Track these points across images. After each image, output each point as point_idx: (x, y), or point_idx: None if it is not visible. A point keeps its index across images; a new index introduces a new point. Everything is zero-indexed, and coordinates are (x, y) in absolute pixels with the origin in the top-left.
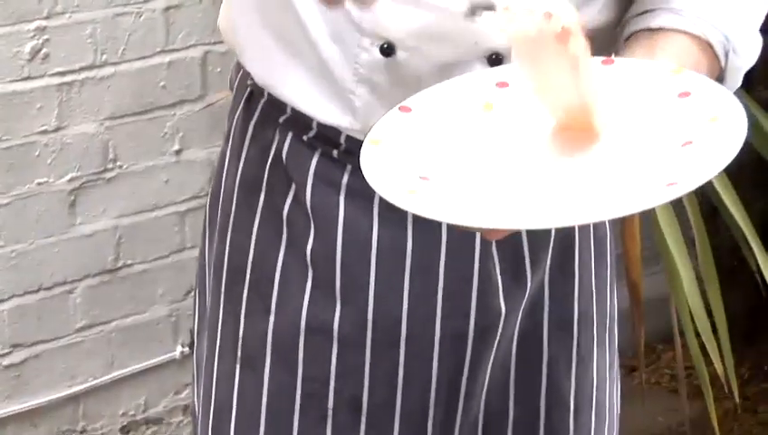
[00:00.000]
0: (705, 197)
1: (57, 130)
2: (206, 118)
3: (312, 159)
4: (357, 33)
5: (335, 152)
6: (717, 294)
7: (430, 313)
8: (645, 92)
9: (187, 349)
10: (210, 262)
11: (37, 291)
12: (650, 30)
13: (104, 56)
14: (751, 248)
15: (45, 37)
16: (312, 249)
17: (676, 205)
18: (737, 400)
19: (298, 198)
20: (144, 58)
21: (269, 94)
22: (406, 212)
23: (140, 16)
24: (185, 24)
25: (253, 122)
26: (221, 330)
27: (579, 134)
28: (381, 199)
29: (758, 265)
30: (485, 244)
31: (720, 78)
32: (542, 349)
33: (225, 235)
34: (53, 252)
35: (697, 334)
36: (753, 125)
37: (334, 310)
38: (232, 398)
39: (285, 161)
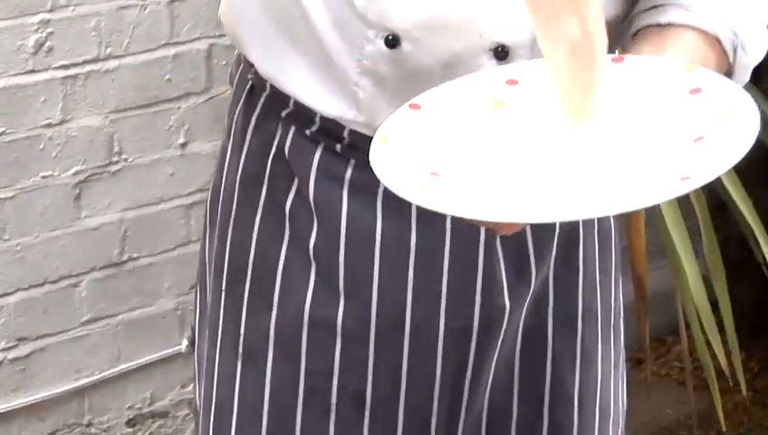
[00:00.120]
0: (712, 191)
1: (62, 123)
2: (211, 111)
3: (314, 154)
4: (361, 24)
5: (338, 147)
6: (724, 287)
7: (434, 307)
8: (656, 89)
9: None
10: (210, 259)
11: (42, 284)
12: (659, 26)
13: (109, 49)
14: (758, 242)
15: (49, 30)
16: (315, 244)
17: (683, 199)
18: (744, 393)
19: (301, 193)
20: (149, 51)
21: (271, 87)
22: (410, 206)
23: (145, 9)
24: (190, 17)
25: (254, 116)
26: (222, 326)
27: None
28: (385, 194)
29: (765, 259)
30: (490, 239)
31: (728, 74)
32: (547, 345)
33: (225, 232)
34: (59, 245)
35: (703, 328)
36: (760, 119)
37: (338, 304)
38: (233, 393)
39: (288, 156)
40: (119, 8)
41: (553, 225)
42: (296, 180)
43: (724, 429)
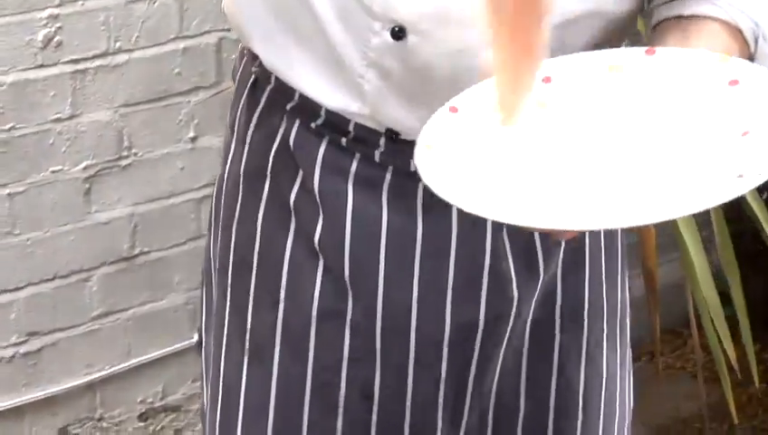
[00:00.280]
0: None
1: (71, 118)
2: (221, 104)
3: (319, 147)
4: (367, 15)
5: (343, 140)
6: (737, 280)
7: (440, 301)
8: (693, 82)
9: None
10: (215, 255)
11: (53, 279)
12: (681, 17)
13: (118, 43)
14: None
15: (58, 25)
16: (321, 236)
17: None
18: (757, 385)
19: (305, 185)
20: (158, 45)
21: (276, 80)
22: (415, 200)
23: (154, 3)
24: (199, 11)
25: (258, 110)
26: (228, 322)
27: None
28: (390, 187)
29: None
30: (497, 232)
31: None
32: (554, 341)
33: (230, 226)
34: (69, 240)
35: (713, 322)
36: None
37: (347, 297)
38: (240, 389)
39: (293, 148)
40: (127, 2)
41: None
42: (300, 173)
43: (736, 421)
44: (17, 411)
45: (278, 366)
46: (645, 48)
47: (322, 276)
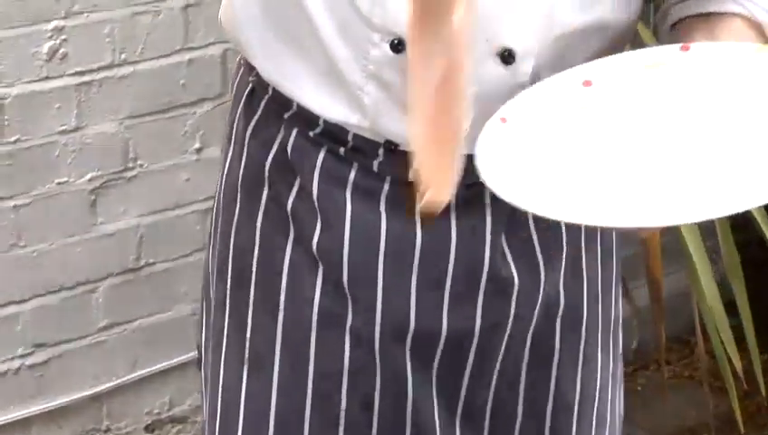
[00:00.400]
0: None
1: (76, 129)
2: (226, 116)
3: (318, 156)
4: (366, 27)
5: (342, 150)
6: (743, 289)
7: (437, 309)
8: (731, 74)
9: None
10: (213, 267)
11: (59, 291)
12: (703, 15)
13: (123, 55)
14: None
15: (63, 37)
16: (319, 243)
17: None
18: (764, 394)
19: (303, 192)
20: (163, 57)
21: (273, 90)
22: (413, 208)
23: (159, 15)
24: (204, 22)
25: (255, 119)
26: (227, 331)
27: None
28: (389, 195)
29: None
30: (496, 239)
31: None
32: (554, 353)
33: (228, 236)
34: (75, 252)
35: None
36: None
37: (346, 304)
38: (239, 400)
39: (290, 156)
40: (133, 14)
41: (560, 228)
42: (298, 180)
43: (743, 431)
44: (24, 423)
45: (278, 375)
46: (680, 45)
47: (322, 283)
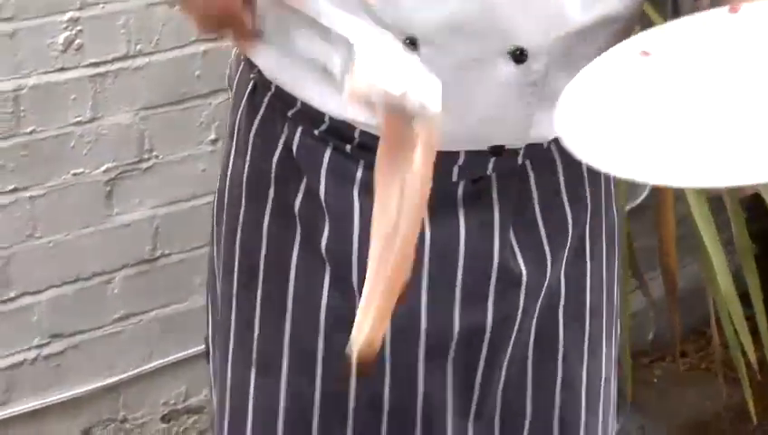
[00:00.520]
0: None
1: (92, 120)
2: None
3: (324, 154)
4: (378, 26)
5: (348, 147)
6: (756, 280)
7: (448, 305)
8: None
9: None
10: (219, 266)
11: (75, 281)
12: None
13: (138, 46)
14: None
15: (78, 28)
16: (327, 243)
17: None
18: None
19: (310, 192)
20: (178, 48)
21: (276, 87)
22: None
23: (174, 5)
24: None
25: (258, 117)
26: (234, 332)
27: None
28: None
29: None
30: (504, 231)
31: None
32: (558, 343)
33: (234, 235)
34: (91, 242)
35: (733, 322)
36: None
37: (355, 305)
38: (247, 403)
39: (296, 155)
40: (148, 5)
41: (566, 218)
42: (305, 179)
43: (755, 422)
44: (40, 413)
45: (286, 377)
46: (727, 6)
47: (330, 283)
